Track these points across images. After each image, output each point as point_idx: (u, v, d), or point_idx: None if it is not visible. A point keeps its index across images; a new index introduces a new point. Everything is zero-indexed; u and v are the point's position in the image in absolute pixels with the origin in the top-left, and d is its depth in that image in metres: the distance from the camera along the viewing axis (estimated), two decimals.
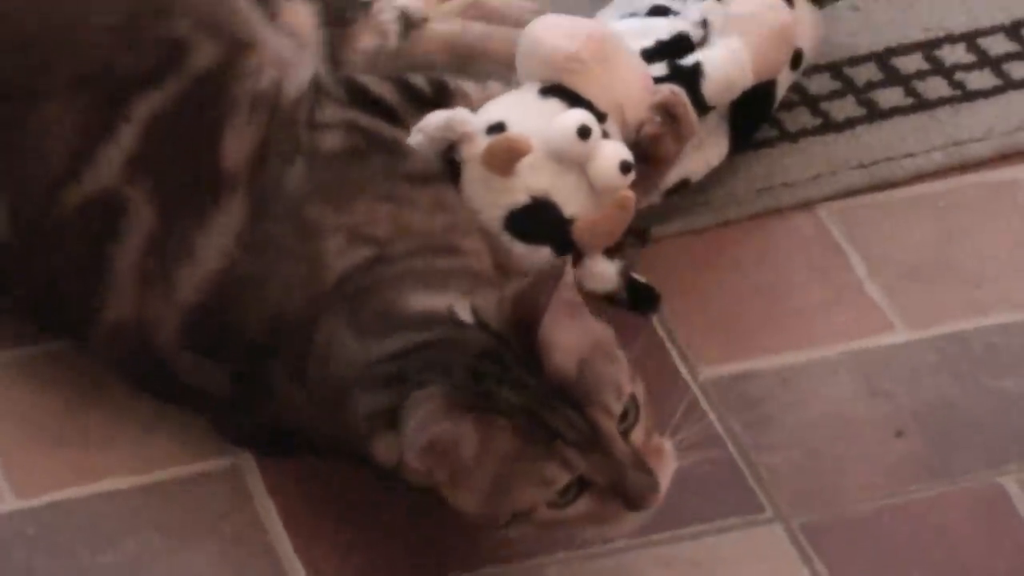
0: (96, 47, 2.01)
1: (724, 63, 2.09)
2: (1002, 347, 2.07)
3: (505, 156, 1.98)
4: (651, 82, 2.06)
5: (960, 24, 2.29)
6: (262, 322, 1.93)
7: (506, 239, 1.98)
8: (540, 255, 1.98)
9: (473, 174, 1.99)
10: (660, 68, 2.08)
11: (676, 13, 2.15)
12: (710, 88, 2.08)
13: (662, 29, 2.12)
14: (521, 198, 1.99)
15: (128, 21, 2.02)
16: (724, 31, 2.12)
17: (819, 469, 1.97)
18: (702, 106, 2.06)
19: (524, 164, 1.99)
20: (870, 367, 2.04)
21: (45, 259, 1.99)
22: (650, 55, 2.09)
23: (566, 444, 1.78)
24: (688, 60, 2.09)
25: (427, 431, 1.77)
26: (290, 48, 2.08)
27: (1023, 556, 1.91)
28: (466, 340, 1.83)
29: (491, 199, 1.99)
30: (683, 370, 2.01)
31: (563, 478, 1.78)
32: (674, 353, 2.01)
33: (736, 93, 2.10)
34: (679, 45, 2.11)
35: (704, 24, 2.14)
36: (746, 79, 2.10)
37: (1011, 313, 2.09)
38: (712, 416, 1.97)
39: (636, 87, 2.05)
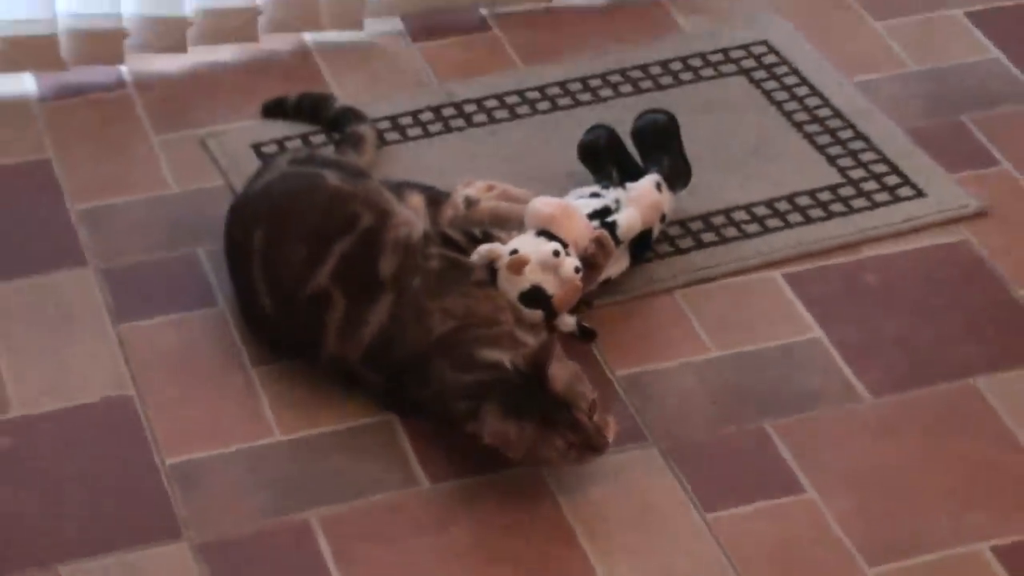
0: (314, 217, 1.99)
1: (627, 220, 2.06)
2: (768, 357, 2.02)
3: (517, 265, 1.98)
4: (591, 228, 2.04)
5: (742, 199, 2.21)
6: (402, 356, 1.92)
7: (520, 307, 1.98)
8: (536, 315, 1.98)
9: (503, 275, 1.99)
10: (596, 223, 2.05)
11: (603, 196, 2.10)
12: (620, 232, 2.05)
13: (597, 203, 2.09)
14: (526, 285, 1.98)
15: (330, 205, 2.00)
16: (627, 205, 2.08)
17: (675, 418, 1.95)
18: (617, 241, 2.04)
19: (527, 269, 1.98)
20: (699, 370, 2.00)
21: (293, 322, 1.97)
22: (591, 216, 2.06)
23: (562, 428, 1.82)
24: (610, 219, 2.06)
25: (490, 427, 1.82)
26: (412, 216, 2.04)
27: (776, 474, 1.88)
28: (509, 378, 1.85)
29: (512, 287, 1.98)
30: (607, 371, 2.00)
31: (563, 445, 1.82)
32: (602, 362, 2.01)
33: (633, 235, 2.07)
34: (605, 212, 2.07)
35: (616, 202, 2.09)
36: (638, 228, 2.07)
37: (774, 341, 2.03)
38: (621, 393, 1.96)
39: (583, 231, 2.04)
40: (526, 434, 1.82)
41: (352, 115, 2.30)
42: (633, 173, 2.16)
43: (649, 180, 2.13)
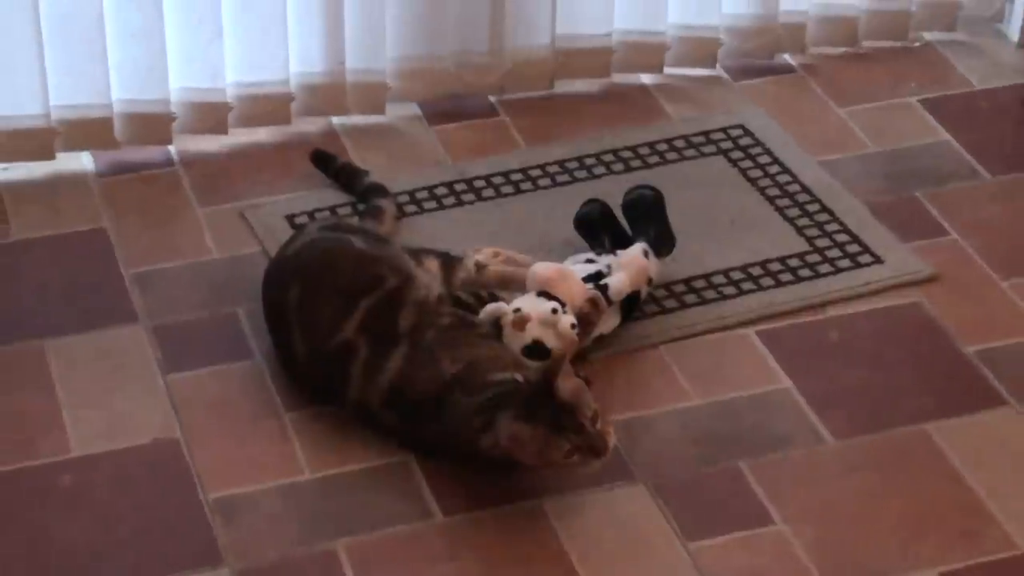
0: (343, 276, 2.02)
1: (617, 283, 2.08)
2: (743, 405, 2.03)
3: (521, 322, 2.01)
4: (586, 290, 2.06)
5: (720, 265, 2.23)
6: (417, 398, 1.94)
7: (523, 360, 2.00)
8: (538, 366, 1.96)
9: (507, 331, 2.02)
10: (590, 285, 2.07)
11: (596, 262, 2.12)
12: (611, 293, 2.07)
13: (591, 268, 2.10)
14: (529, 340, 2.01)
15: (358, 266, 2.04)
16: (618, 270, 2.11)
17: (660, 458, 1.96)
18: (608, 301, 2.06)
19: (529, 326, 2.01)
20: (682, 416, 2.01)
21: (322, 370, 2.00)
22: (585, 279, 2.08)
23: (568, 432, 1.83)
24: (602, 282, 2.08)
25: (505, 430, 1.85)
26: (429, 279, 2.06)
27: (749, 508, 1.90)
28: (520, 389, 1.89)
29: (515, 342, 2.01)
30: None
31: (567, 446, 1.83)
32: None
33: (623, 296, 2.09)
34: (598, 276, 2.10)
35: (608, 267, 2.11)
36: (627, 290, 2.09)
37: (748, 391, 2.05)
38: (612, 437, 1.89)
39: (579, 292, 2.06)
40: (537, 436, 1.83)
41: (379, 190, 2.32)
42: (623, 241, 2.19)
43: (637, 248, 2.15)
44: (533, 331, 2.03)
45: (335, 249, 2.08)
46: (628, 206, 2.24)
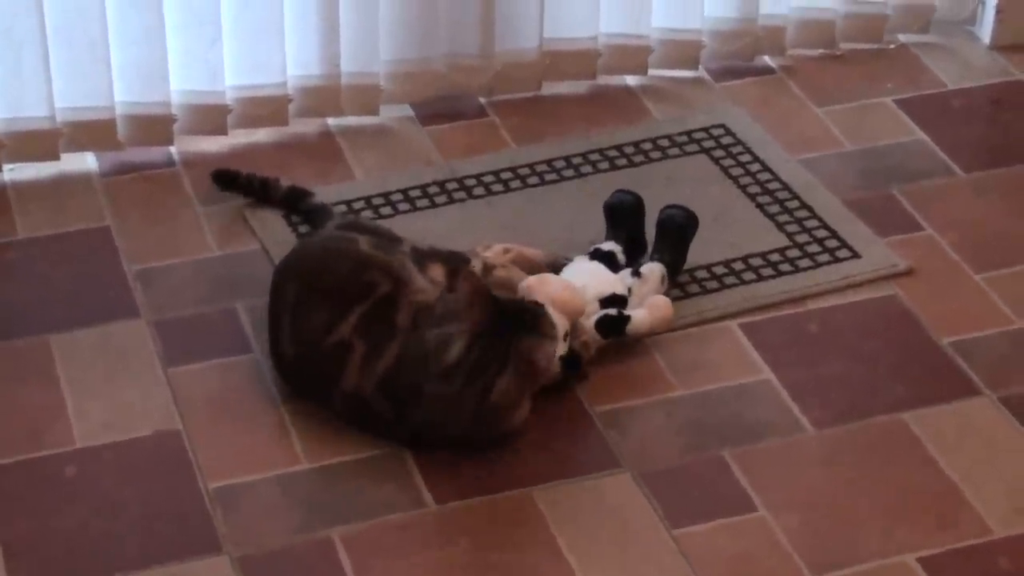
0: (336, 280, 1.98)
1: (638, 322, 2.04)
2: (725, 395, 2.02)
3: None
4: (565, 289, 1.95)
5: (703, 260, 2.20)
6: (412, 382, 1.91)
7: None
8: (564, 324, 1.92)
9: None
10: (614, 311, 2.02)
11: (616, 277, 2.04)
12: (629, 328, 2.03)
13: (607, 289, 2.02)
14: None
15: (351, 272, 1.98)
16: (644, 306, 2.05)
17: (646, 447, 1.95)
18: (622, 334, 2.02)
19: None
20: (667, 406, 2.00)
21: (312, 367, 1.97)
22: (602, 303, 2.02)
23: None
24: (626, 313, 2.03)
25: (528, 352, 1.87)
26: (427, 285, 1.98)
27: (733, 496, 1.89)
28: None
29: None
30: (588, 407, 2.00)
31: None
32: (583, 400, 2.00)
33: (639, 334, 2.04)
34: (614, 299, 2.04)
35: (629, 290, 2.06)
36: (643, 332, 2.05)
37: (731, 381, 2.03)
38: (600, 426, 1.96)
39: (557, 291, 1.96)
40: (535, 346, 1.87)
41: (326, 213, 2.24)
42: (638, 242, 2.16)
43: (658, 273, 2.11)
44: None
45: (334, 251, 2.04)
46: (661, 223, 2.19)
